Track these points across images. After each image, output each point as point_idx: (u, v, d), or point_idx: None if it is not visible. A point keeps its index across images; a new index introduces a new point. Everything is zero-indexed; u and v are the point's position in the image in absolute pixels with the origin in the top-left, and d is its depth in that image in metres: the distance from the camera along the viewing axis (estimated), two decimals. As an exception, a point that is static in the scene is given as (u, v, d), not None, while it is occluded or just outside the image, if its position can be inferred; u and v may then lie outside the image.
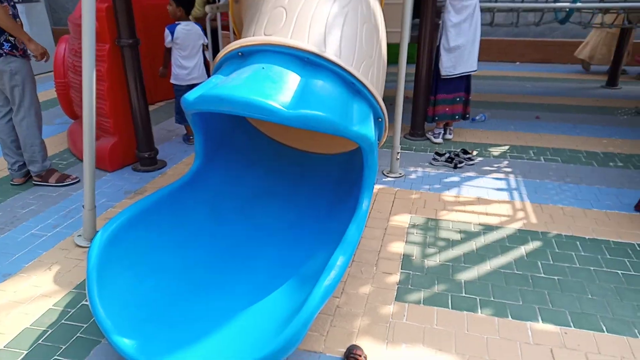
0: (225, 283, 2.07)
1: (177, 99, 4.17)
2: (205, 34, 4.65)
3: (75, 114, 4.46)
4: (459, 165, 3.79)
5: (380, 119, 2.17)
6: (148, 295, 1.93)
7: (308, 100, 1.82)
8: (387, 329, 2.09)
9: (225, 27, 5.17)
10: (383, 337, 2.05)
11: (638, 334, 2.04)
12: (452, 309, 2.21)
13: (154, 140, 3.86)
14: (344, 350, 1.95)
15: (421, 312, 2.20)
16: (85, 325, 2.12)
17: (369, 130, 1.96)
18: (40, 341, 2.03)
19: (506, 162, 3.90)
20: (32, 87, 3.27)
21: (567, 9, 4.62)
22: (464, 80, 4.19)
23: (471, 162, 3.86)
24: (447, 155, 3.86)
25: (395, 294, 2.32)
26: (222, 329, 1.83)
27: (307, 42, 2.00)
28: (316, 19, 2.08)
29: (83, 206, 2.68)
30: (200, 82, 4.10)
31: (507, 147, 4.22)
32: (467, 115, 4.38)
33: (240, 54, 2.06)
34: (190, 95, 1.90)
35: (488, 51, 7.99)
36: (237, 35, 2.87)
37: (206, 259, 2.16)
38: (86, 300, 2.28)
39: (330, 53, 1.99)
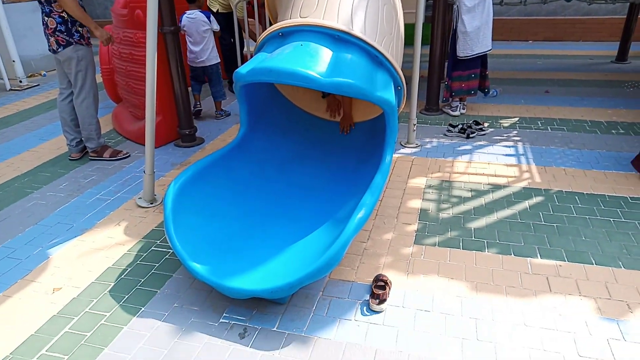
0: (275, 225, 2.49)
1: (191, 75, 4.80)
2: (231, 22, 5.09)
3: (118, 98, 4.90)
4: (471, 135, 4.14)
5: (399, 87, 2.55)
6: (213, 234, 2.36)
7: (340, 70, 2.20)
8: (407, 264, 2.49)
9: (250, 15, 5.55)
10: (404, 270, 2.45)
11: (622, 266, 2.40)
12: (462, 249, 2.60)
13: (192, 119, 4.29)
14: (372, 279, 2.35)
15: (436, 252, 2.59)
16: (157, 264, 2.57)
17: (390, 95, 2.34)
18: (122, 276, 2.48)
19: (515, 132, 4.23)
20: (93, 73, 3.71)
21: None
22: (479, 59, 4.47)
23: (483, 133, 4.19)
24: (460, 126, 4.21)
25: (413, 239, 2.71)
26: (276, 257, 2.26)
27: (337, 22, 2.37)
28: (344, 2, 2.45)
29: (144, 171, 3.12)
30: (211, 64, 4.62)
31: (516, 119, 4.53)
32: (486, 90, 4.65)
33: (280, 34, 2.45)
34: (243, 69, 2.29)
35: (501, 30, 8.21)
36: (273, 21, 3.25)
37: (257, 207, 2.58)
38: (155, 247, 2.73)
39: (357, 30, 2.36)
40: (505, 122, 4.47)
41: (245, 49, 5.73)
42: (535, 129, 4.27)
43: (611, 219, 2.81)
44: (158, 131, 4.17)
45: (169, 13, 3.84)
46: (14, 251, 2.76)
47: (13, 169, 3.86)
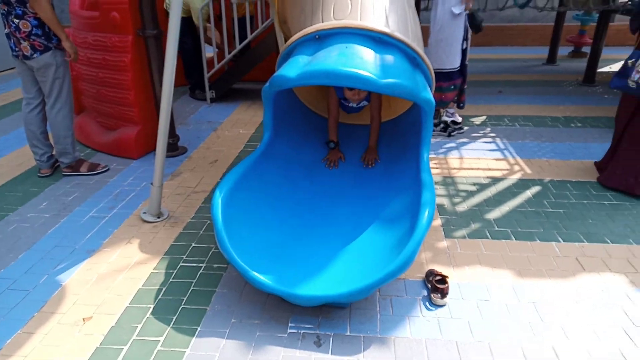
0: (320, 229, 2.43)
1: None
2: (192, 27, 4.86)
3: (80, 107, 4.49)
4: (452, 134, 4.34)
5: (430, 88, 2.62)
6: (264, 244, 2.25)
7: (389, 71, 2.21)
8: (448, 257, 2.56)
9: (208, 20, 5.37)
10: (447, 263, 2.51)
11: (632, 242, 2.66)
12: (492, 239, 2.73)
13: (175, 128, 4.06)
14: (423, 275, 2.39)
15: (469, 244, 2.69)
16: (194, 281, 2.40)
17: (431, 95, 2.40)
18: (160, 297, 2.29)
19: (488, 129, 4.51)
20: (69, 80, 3.38)
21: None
22: (460, 71, 4.21)
23: (461, 131, 4.42)
24: (441, 125, 4.40)
25: (443, 233, 2.80)
26: (335, 261, 2.21)
27: (375, 24, 2.39)
28: (377, 5, 2.48)
29: (151, 183, 2.90)
30: None
31: (484, 117, 4.84)
32: (462, 104, 4.43)
33: (317, 37, 2.41)
34: (291, 73, 2.22)
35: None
36: (280, 25, 3.18)
37: (295, 213, 2.51)
38: (183, 262, 2.54)
39: (396, 32, 2.39)
40: (476, 121, 4.74)
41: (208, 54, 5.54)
42: (504, 125, 4.59)
43: (605, 202, 3.10)
44: (138, 142, 3.93)
45: (150, 15, 3.61)
46: (15, 282, 2.43)
47: (-27, 191, 3.39)
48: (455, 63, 4.08)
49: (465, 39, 4.06)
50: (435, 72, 3.22)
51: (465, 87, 4.37)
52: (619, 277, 2.38)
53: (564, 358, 1.91)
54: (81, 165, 3.63)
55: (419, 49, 2.44)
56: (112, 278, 2.43)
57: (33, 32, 3.11)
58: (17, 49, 3.20)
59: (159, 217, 2.98)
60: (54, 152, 3.62)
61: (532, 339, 2.00)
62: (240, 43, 5.24)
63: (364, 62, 2.18)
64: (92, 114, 4.29)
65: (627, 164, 3.12)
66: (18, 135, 4.48)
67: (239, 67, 5.40)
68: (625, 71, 2.98)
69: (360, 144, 3.03)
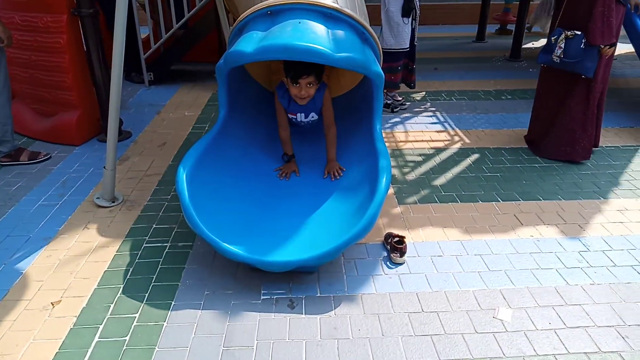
0: (283, 201, 2.53)
1: None
2: None
3: (12, 94, 4.22)
4: (394, 110, 4.56)
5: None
6: (231, 217, 2.32)
7: (342, 46, 2.32)
8: (402, 221, 2.76)
9: None
10: (403, 227, 2.71)
11: (561, 198, 2.99)
12: (440, 202, 2.96)
13: (119, 111, 3.93)
14: (382, 238, 2.56)
15: (420, 208, 2.90)
16: (160, 259, 2.42)
17: (380, 70, 2.54)
18: (129, 277, 2.29)
19: (428, 104, 4.77)
20: (5, 65, 3.18)
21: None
22: (407, 51, 4.28)
23: (404, 107, 4.64)
24: (385, 101, 4.59)
25: (396, 201, 2.99)
26: (302, 229, 2.32)
27: (324, 0, 2.48)
28: (325, -18, 2.56)
29: (104, 167, 2.84)
30: None
31: (423, 93, 5.10)
32: (412, 84, 4.50)
33: (269, 12, 2.47)
34: (247, 48, 2.27)
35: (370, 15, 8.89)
36: (228, 6, 3.18)
37: (258, 187, 2.58)
38: (147, 243, 2.55)
39: (344, 8, 2.50)
40: (416, 97, 4.99)
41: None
42: (442, 100, 4.87)
43: (536, 165, 3.44)
44: (79, 127, 3.79)
45: (86, -6, 3.46)
46: (-32, 274, 2.33)
47: None
48: (404, 44, 4.20)
49: (413, 18, 4.21)
50: (384, 52, 3.37)
51: (414, 66, 4.46)
52: (551, 229, 2.68)
53: (509, 298, 2.16)
54: (21, 154, 3.46)
55: (367, 24, 2.57)
56: (75, 263, 2.40)
57: None
58: None
59: (113, 202, 2.94)
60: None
61: (481, 285, 2.24)
62: (177, 21, 5.11)
63: (318, 37, 2.27)
64: (26, 100, 4.06)
65: (565, 136, 3.39)
66: (-59, 126, 4.15)
67: (177, 47, 5.28)
68: (549, 47, 3.28)
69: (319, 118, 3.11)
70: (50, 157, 3.58)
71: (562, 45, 3.16)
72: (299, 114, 2.78)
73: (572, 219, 2.77)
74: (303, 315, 2.06)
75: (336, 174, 2.66)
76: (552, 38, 3.25)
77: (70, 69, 3.64)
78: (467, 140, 3.86)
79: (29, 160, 3.46)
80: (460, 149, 3.72)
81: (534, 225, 2.72)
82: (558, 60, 3.21)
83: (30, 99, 4.00)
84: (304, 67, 2.48)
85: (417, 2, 4.21)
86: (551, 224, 2.72)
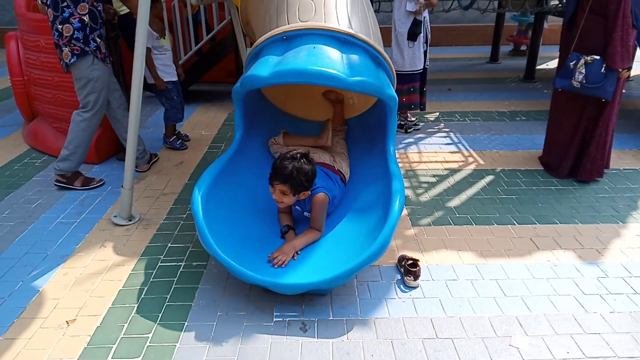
0: (296, 224, 2.53)
1: None
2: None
3: (32, 113, 4.35)
4: (408, 130, 4.57)
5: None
6: (244, 238, 2.33)
7: (357, 70, 2.36)
8: (416, 243, 2.74)
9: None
10: (417, 249, 2.69)
11: (578, 222, 2.95)
12: (454, 225, 2.93)
13: (137, 130, 4.01)
14: (395, 261, 2.55)
15: (434, 230, 2.88)
16: (174, 279, 2.44)
17: (394, 93, 2.56)
18: (143, 296, 2.31)
19: (442, 124, 4.78)
20: (105, 94, 3.37)
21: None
22: (419, 73, 4.32)
23: (417, 127, 4.65)
24: (398, 122, 4.61)
25: (410, 222, 2.98)
26: (313, 251, 2.33)
27: (339, 25, 2.52)
28: (339, 7, 2.61)
29: (122, 186, 2.89)
30: None
31: (437, 114, 5.11)
32: (422, 106, 4.49)
33: (284, 37, 2.52)
34: (263, 72, 2.31)
35: (385, 38, 8.96)
36: (244, 27, 3.26)
37: (271, 207, 2.60)
38: (161, 262, 2.57)
39: (359, 33, 2.54)
40: (430, 117, 5.00)
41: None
42: (456, 121, 4.87)
43: (552, 187, 3.40)
44: (99, 146, 3.86)
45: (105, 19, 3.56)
46: (-13, 291, 2.37)
47: None
48: (414, 66, 4.23)
49: (425, 41, 4.26)
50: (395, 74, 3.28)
51: (425, 89, 4.48)
52: (568, 253, 2.64)
53: (525, 325, 2.12)
54: (75, 179, 3.43)
55: (380, 48, 2.60)
56: (91, 281, 2.43)
57: (75, 37, 3.07)
58: (61, 59, 3.19)
59: (130, 220, 2.98)
60: (145, 148, 3.72)
61: (497, 311, 2.21)
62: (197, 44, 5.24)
63: (332, 62, 2.31)
64: (48, 119, 4.17)
65: (582, 156, 3.39)
66: (-34, 144, 4.29)
67: (196, 69, 5.40)
68: (566, 72, 3.25)
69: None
70: (104, 183, 3.55)
71: (583, 71, 3.14)
72: (296, 206, 2.56)
73: (590, 244, 2.72)
74: (315, 339, 2.05)
75: (280, 261, 2.25)
76: (571, 63, 3.22)
77: (91, 90, 3.72)
78: (482, 162, 3.84)
79: (81, 186, 3.42)
80: (474, 170, 3.70)
81: (550, 249, 2.68)
82: (579, 86, 3.19)
83: (53, 118, 4.10)
84: (278, 174, 2.30)
85: (428, 25, 4.25)
86: (568, 249, 2.68)
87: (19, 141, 4.36)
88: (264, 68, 2.36)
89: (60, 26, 3.06)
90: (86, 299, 2.29)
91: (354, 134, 3.14)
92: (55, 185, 3.41)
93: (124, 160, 3.76)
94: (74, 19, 3.05)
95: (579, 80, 3.16)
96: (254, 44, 2.67)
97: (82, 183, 3.44)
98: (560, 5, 6.14)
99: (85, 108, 3.32)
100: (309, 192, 2.38)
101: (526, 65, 6.40)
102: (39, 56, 3.87)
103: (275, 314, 2.19)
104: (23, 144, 4.30)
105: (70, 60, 3.12)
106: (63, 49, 3.11)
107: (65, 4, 3.01)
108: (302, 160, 2.33)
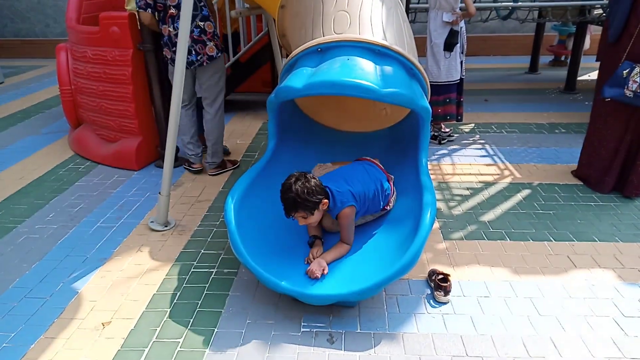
0: (326, 235, 2.55)
1: None
2: None
3: (78, 121, 4.56)
4: (442, 142, 4.51)
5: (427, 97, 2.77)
6: (274, 247, 2.37)
7: (390, 81, 2.36)
8: (448, 258, 2.70)
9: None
10: (448, 263, 2.65)
11: (618, 240, 2.83)
12: (488, 239, 2.87)
13: (174, 138, 4.14)
14: (426, 275, 2.52)
15: (467, 245, 2.83)
16: (206, 285, 2.49)
17: (427, 104, 2.55)
18: (175, 301, 2.37)
19: (477, 136, 4.70)
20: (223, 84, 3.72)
21: (509, 7, 5.57)
22: (455, 84, 4.29)
23: (451, 139, 4.59)
24: (431, 133, 4.56)
25: (441, 236, 2.94)
26: (342, 262, 2.33)
27: (373, 37, 2.54)
28: (374, 19, 2.63)
29: (159, 193, 2.98)
30: None
31: (473, 125, 5.02)
32: (459, 117, 4.44)
33: (319, 49, 2.55)
34: (297, 84, 2.35)
35: (420, 48, 8.91)
36: (281, 39, 3.32)
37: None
38: (194, 268, 2.63)
39: (394, 44, 2.54)
40: (465, 128, 4.93)
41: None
42: (492, 132, 4.78)
43: (592, 204, 3.28)
44: (139, 153, 4.01)
45: (147, 29, 3.70)
46: (31, 291, 2.49)
47: (-22, 204, 3.43)
48: (450, 77, 4.20)
49: (461, 52, 4.22)
50: (430, 85, 3.29)
51: (462, 99, 4.43)
52: (607, 273, 2.54)
53: (560, 347, 2.05)
54: (226, 164, 3.93)
55: (415, 59, 2.59)
56: (127, 285, 2.51)
57: (215, 33, 3.40)
58: (198, 54, 3.40)
59: (166, 226, 3.07)
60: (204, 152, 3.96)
61: (530, 331, 2.14)
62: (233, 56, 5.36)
63: (366, 73, 2.33)
64: (91, 126, 4.35)
65: (627, 169, 3.29)
66: (15, 150, 4.52)
67: (232, 79, 5.52)
68: (618, 81, 3.12)
69: (362, 150, 3.12)
70: (239, 165, 4.02)
71: (638, 79, 3.02)
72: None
73: (631, 263, 2.61)
74: (342, 352, 2.05)
75: (313, 274, 2.24)
76: (624, 72, 3.09)
77: (134, 99, 3.88)
78: (518, 175, 3.75)
79: (232, 166, 3.96)
80: (510, 183, 3.62)
81: (588, 268, 2.58)
82: (632, 95, 3.07)
83: (96, 126, 4.28)
84: (288, 207, 2.30)
85: (464, 35, 4.21)
86: (608, 268, 2.58)
87: (64, 147, 4.57)
88: (298, 80, 2.40)
89: (201, 23, 3.34)
90: (121, 302, 2.37)
91: (385, 145, 3.13)
92: (211, 175, 3.84)
93: (161, 167, 3.92)
94: (212, 18, 3.38)
95: (633, 89, 3.03)
96: (289, 55, 2.72)
97: (232, 163, 3.96)
98: (604, 14, 5.94)
99: (217, 103, 3.63)
100: (327, 200, 2.34)
101: (567, 76, 6.21)
102: (86, 66, 4.06)
103: (302, 323, 2.20)
104: (68, 150, 4.50)
105: (216, 54, 3.43)
106: (207, 43, 3.38)
107: (202, 3, 3.33)
108: (298, 183, 2.27)
